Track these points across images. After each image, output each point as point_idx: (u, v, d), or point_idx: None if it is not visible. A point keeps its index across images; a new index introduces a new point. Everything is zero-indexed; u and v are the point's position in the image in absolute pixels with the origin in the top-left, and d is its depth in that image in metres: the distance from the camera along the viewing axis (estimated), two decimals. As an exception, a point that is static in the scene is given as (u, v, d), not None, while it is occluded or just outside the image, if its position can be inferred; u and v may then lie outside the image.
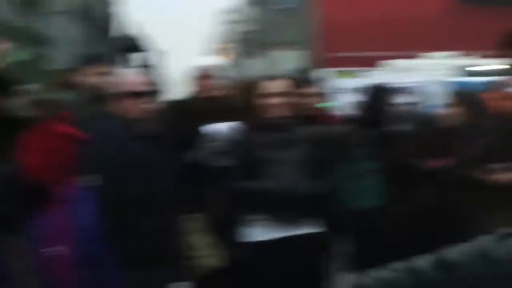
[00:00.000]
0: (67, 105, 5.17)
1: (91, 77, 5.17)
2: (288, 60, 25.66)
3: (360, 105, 5.23)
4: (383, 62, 12.43)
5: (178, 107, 5.31)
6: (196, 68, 5.22)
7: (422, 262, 1.55)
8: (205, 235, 4.56)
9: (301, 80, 5.64)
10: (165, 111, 5.70)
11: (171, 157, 4.26)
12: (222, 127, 4.72)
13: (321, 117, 5.44)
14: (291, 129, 4.38)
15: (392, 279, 1.55)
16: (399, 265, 1.59)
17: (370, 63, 12.30)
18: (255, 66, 37.39)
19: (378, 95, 5.16)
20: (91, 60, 5.69)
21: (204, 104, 5.06)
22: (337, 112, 6.53)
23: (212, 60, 7.52)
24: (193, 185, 4.35)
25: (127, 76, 4.23)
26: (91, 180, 3.44)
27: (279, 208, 4.22)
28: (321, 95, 5.64)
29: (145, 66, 7.95)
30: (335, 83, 10.59)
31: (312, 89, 5.52)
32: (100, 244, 3.52)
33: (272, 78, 4.44)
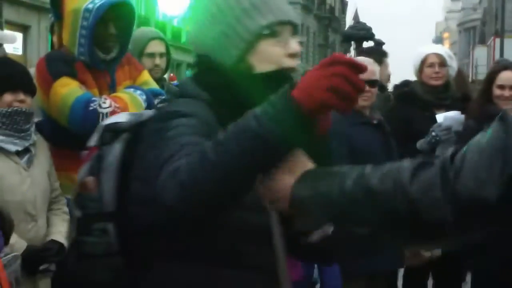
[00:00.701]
0: None
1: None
2: (513, 48, 24.22)
3: None
4: None
5: (402, 95, 5.08)
6: (420, 57, 4.95)
7: (350, 181, 1.53)
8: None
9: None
10: (390, 99, 5.50)
11: (394, 145, 4.11)
12: (447, 116, 4.48)
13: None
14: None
15: (324, 191, 1.55)
16: (339, 175, 1.57)
17: None
18: (480, 55, 35.82)
19: None
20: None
21: (429, 92, 4.79)
22: None
23: (436, 49, 7.13)
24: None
25: None
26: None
27: None
28: None
29: (374, 54, 7.78)
30: None
31: None
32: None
33: (506, 68, 4.16)
